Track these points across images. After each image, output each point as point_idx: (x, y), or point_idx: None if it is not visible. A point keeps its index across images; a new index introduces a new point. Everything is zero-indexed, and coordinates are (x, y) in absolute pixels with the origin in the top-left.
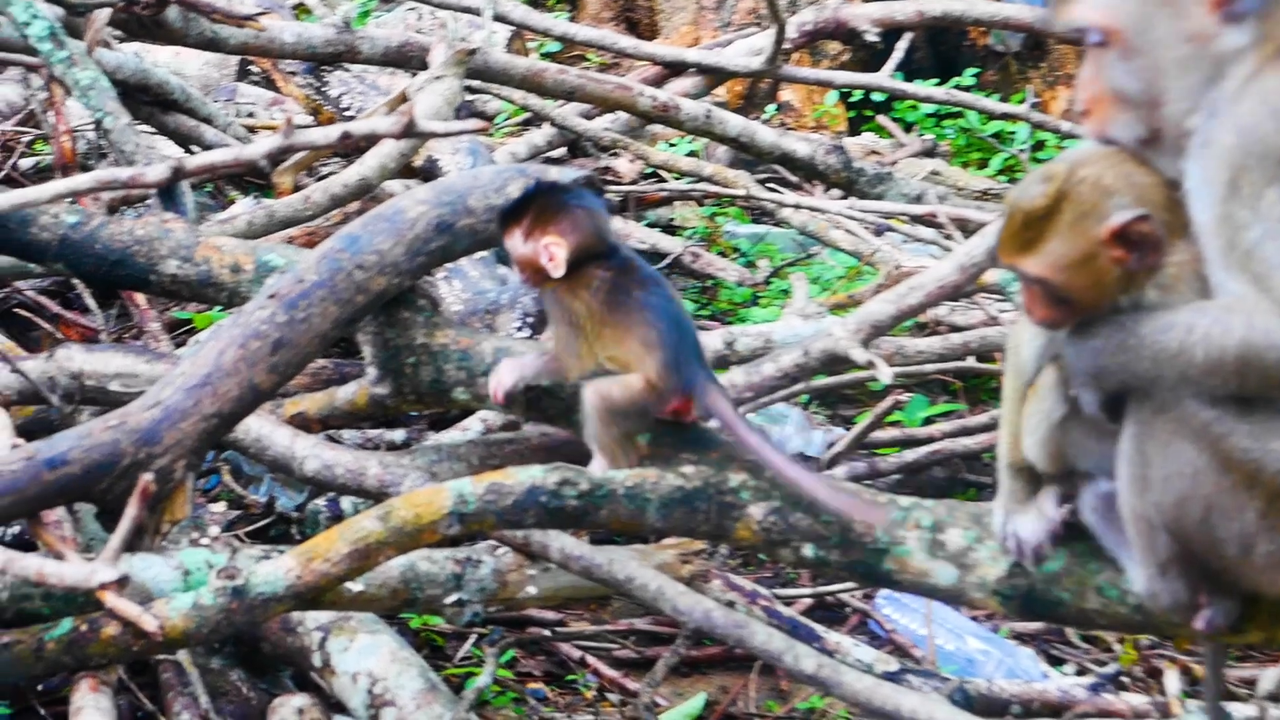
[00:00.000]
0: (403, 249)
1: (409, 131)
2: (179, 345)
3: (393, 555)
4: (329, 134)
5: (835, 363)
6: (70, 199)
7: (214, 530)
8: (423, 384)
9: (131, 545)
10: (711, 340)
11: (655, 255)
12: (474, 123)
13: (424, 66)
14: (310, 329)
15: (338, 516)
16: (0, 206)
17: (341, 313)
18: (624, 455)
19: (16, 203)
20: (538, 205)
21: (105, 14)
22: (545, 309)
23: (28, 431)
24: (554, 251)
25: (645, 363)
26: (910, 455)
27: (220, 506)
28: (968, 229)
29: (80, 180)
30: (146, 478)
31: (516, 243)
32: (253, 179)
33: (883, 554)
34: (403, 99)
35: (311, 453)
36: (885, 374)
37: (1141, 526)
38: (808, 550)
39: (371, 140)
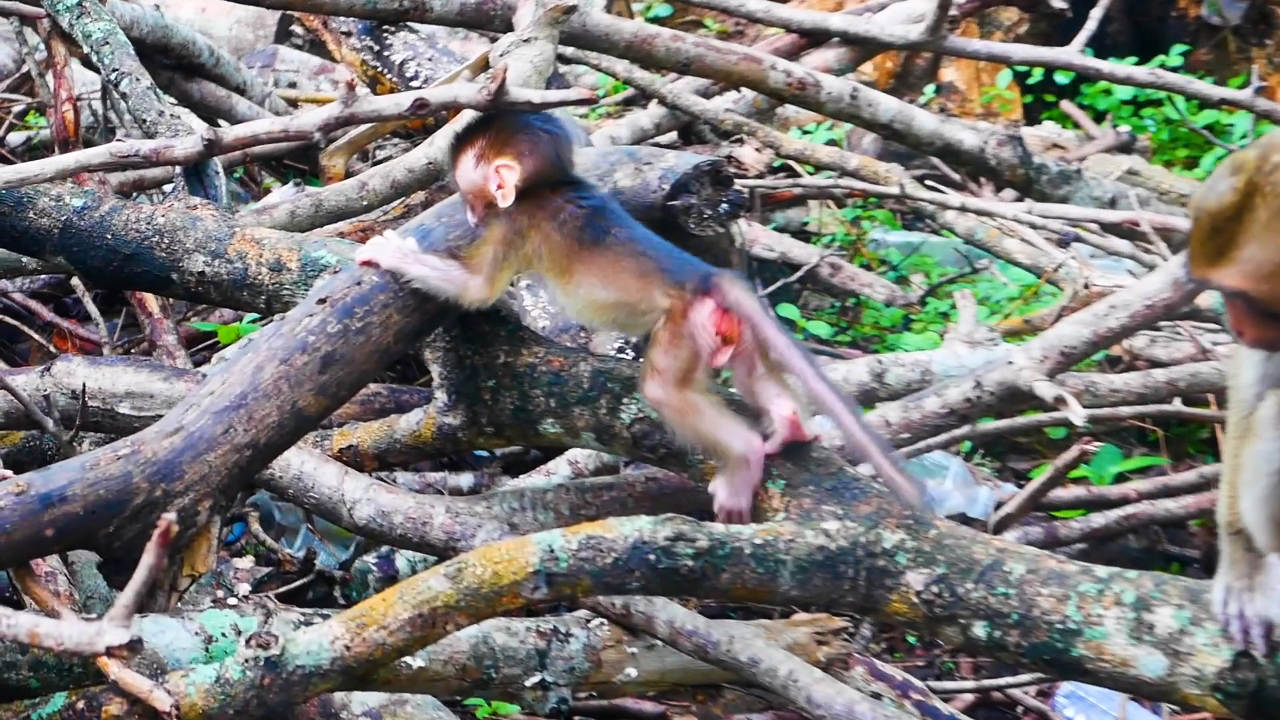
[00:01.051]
0: None
1: (497, 101)
2: (198, 364)
3: (464, 623)
4: (399, 102)
5: (1014, 399)
6: (70, 179)
7: (243, 588)
8: (503, 413)
9: (142, 605)
10: (855, 371)
11: (786, 266)
12: (578, 91)
13: (507, 28)
14: (368, 342)
15: (391, 578)
16: None
17: (407, 323)
18: (725, 430)
19: (12, 179)
20: (495, 126)
21: None
22: (480, 233)
23: (16, 462)
24: (504, 176)
25: (649, 290)
26: (1098, 520)
27: (246, 561)
28: (1173, 241)
29: (92, 154)
30: (168, 517)
31: (466, 169)
32: (292, 162)
33: (1073, 636)
34: (484, 65)
35: (365, 496)
36: (1078, 414)
37: None
38: (978, 629)
39: (444, 116)
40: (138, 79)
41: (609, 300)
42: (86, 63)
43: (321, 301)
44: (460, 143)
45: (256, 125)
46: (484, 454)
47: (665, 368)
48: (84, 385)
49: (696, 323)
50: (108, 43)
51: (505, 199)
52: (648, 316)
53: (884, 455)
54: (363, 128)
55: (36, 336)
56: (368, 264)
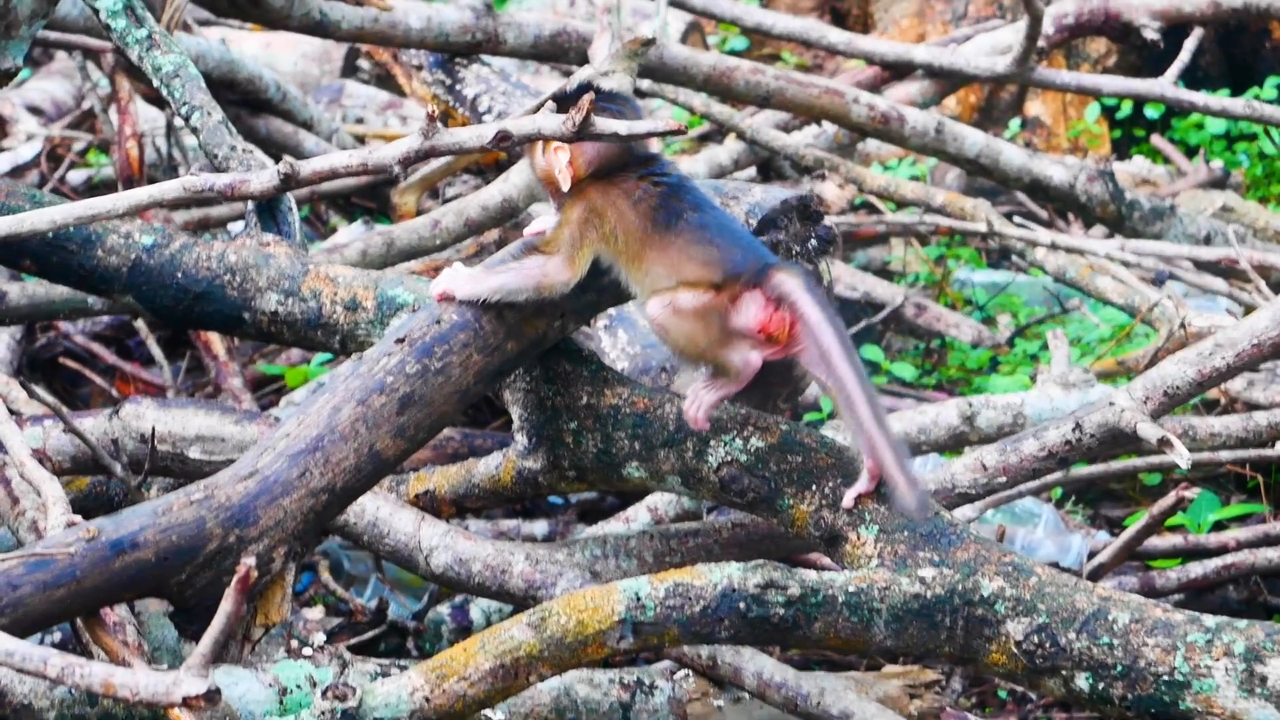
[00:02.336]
0: None
1: (582, 133)
2: (264, 408)
3: (547, 674)
4: (481, 134)
5: (1116, 442)
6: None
7: (317, 638)
8: (586, 456)
9: (216, 655)
10: (945, 414)
11: (868, 306)
12: (665, 122)
13: (582, 61)
14: (448, 383)
15: (465, 629)
16: (59, 220)
17: (487, 363)
18: (728, 361)
19: (83, 214)
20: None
21: None
22: (563, 210)
23: (83, 509)
24: (560, 158)
25: (700, 270)
26: (1196, 569)
27: (317, 611)
28: (1270, 278)
29: (165, 188)
30: (248, 562)
31: (536, 156)
32: (360, 200)
33: (1181, 688)
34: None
35: (442, 543)
36: (1183, 457)
37: None
38: (1081, 681)
39: (518, 152)
40: (209, 113)
41: (672, 288)
42: (149, 99)
43: (400, 341)
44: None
45: (334, 158)
46: (559, 501)
47: (683, 304)
48: (153, 429)
49: (740, 315)
50: (178, 76)
51: (565, 180)
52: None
53: (894, 452)
54: (435, 164)
55: (99, 380)
56: (444, 297)
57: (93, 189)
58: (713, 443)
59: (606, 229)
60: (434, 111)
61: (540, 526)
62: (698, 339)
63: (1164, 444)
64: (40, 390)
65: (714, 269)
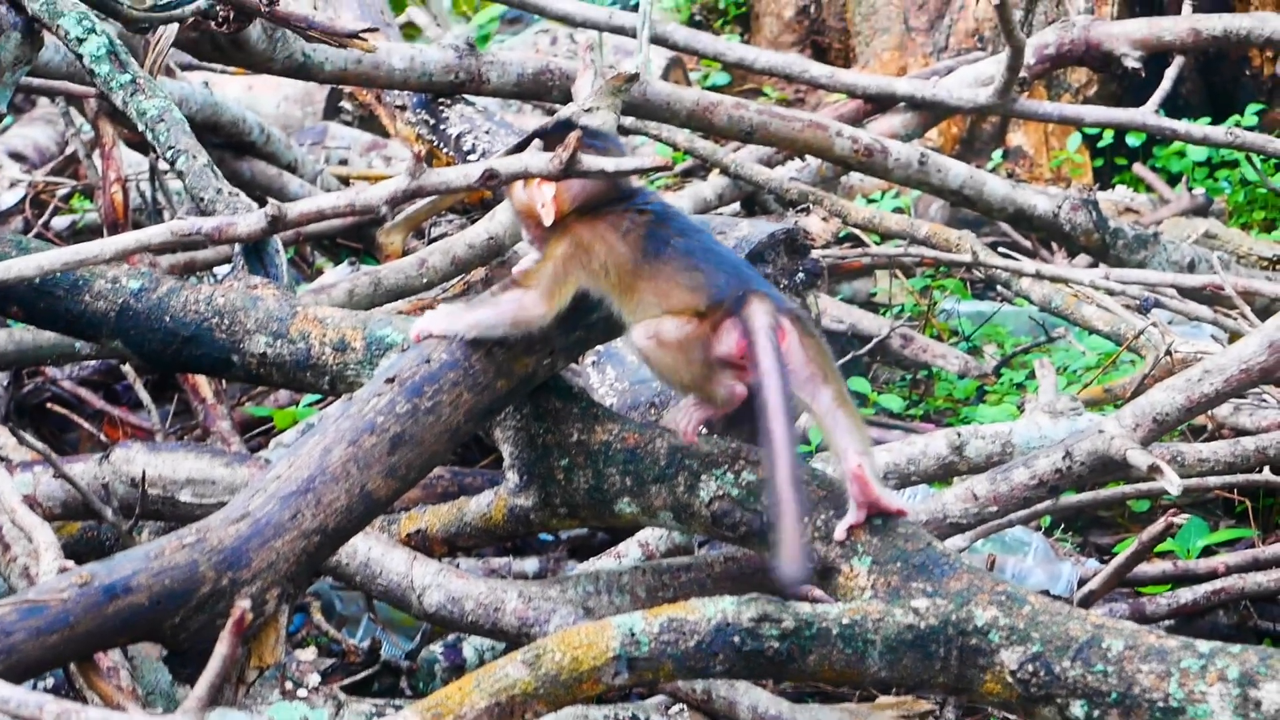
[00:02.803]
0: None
1: (569, 171)
2: (253, 450)
3: (542, 712)
4: (468, 174)
5: (1106, 469)
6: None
7: (312, 679)
8: (577, 493)
9: (210, 698)
10: (934, 444)
11: (855, 338)
12: (652, 158)
13: (565, 99)
14: (438, 422)
15: (458, 667)
16: (47, 266)
17: (477, 401)
18: (712, 390)
19: (71, 260)
20: (541, 147)
21: (171, 32)
22: (537, 256)
23: (74, 554)
24: (544, 191)
25: (687, 296)
26: (1186, 595)
27: (309, 653)
28: (1254, 304)
29: (152, 233)
30: (243, 604)
31: (517, 191)
32: (345, 241)
33: (1176, 715)
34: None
35: (435, 582)
36: (1174, 484)
37: None
38: (1076, 709)
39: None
40: (194, 156)
41: (655, 316)
42: (132, 144)
43: (389, 381)
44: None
45: (321, 200)
46: (549, 538)
47: (667, 334)
48: (144, 472)
49: (721, 343)
50: (163, 120)
51: (548, 215)
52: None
53: (794, 523)
54: (421, 203)
55: (86, 425)
56: (421, 336)
57: (77, 234)
58: (704, 477)
59: (596, 264)
60: (420, 151)
61: (531, 564)
62: (681, 368)
63: (1154, 470)
64: (29, 436)
65: (699, 295)
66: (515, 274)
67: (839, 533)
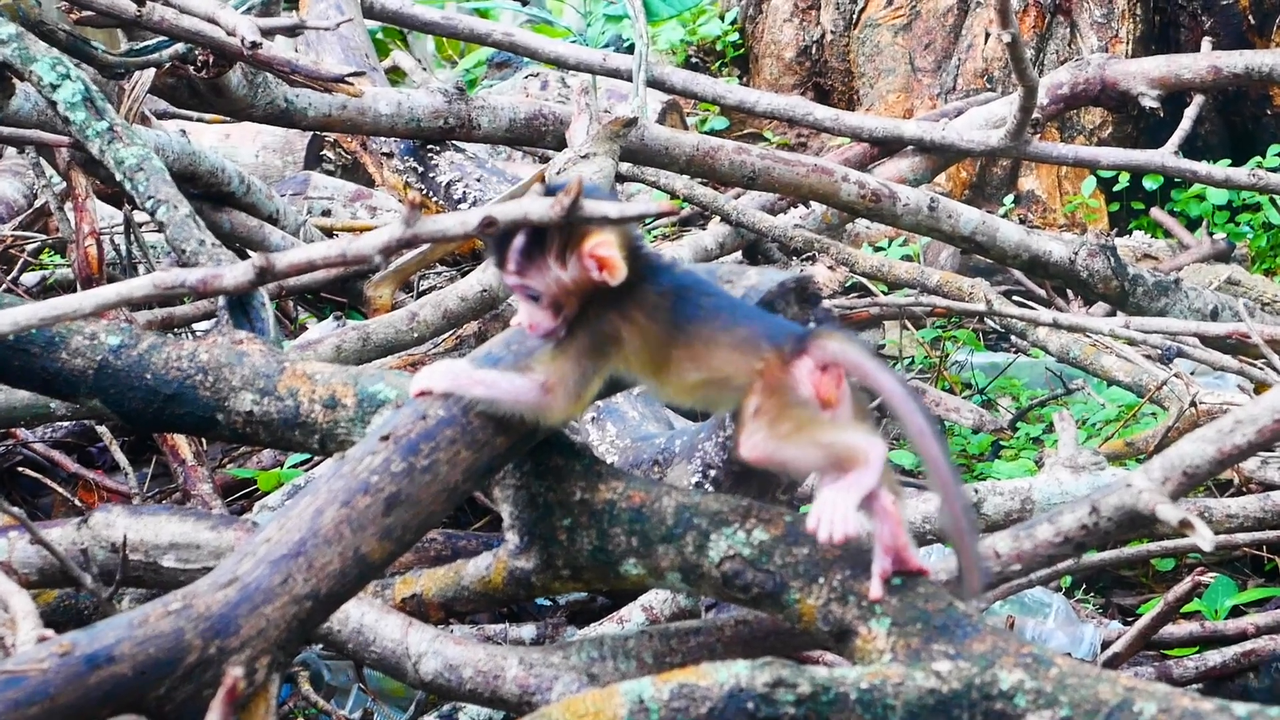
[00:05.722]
0: None
1: (571, 216)
2: (236, 515)
3: None
4: (465, 221)
5: (1134, 525)
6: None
7: None
8: (581, 554)
9: None
10: None
11: (864, 392)
12: (658, 203)
13: (560, 145)
14: (435, 481)
15: None
16: (22, 321)
17: (476, 459)
18: (845, 445)
19: (47, 316)
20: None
21: (148, 77)
22: (566, 334)
23: (50, 623)
24: (604, 254)
25: (745, 358)
26: (1215, 657)
27: None
28: None
29: (134, 285)
30: (235, 673)
31: (552, 274)
32: (330, 295)
33: None
34: (542, 183)
35: (431, 648)
36: (1206, 539)
37: None
38: None
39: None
40: (175, 206)
41: (699, 380)
42: (105, 197)
43: (384, 439)
44: (529, 254)
45: (312, 250)
46: (547, 603)
47: (762, 412)
48: (124, 537)
49: (792, 384)
50: (142, 169)
51: (617, 273)
52: (740, 383)
53: (971, 541)
54: (410, 255)
55: (60, 490)
56: (423, 394)
57: (48, 290)
58: (714, 536)
59: (627, 351)
60: (415, 199)
61: (528, 630)
62: (804, 436)
63: (1185, 526)
64: (2, 501)
65: (746, 347)
66: (521, 364)
67: (875, 589)
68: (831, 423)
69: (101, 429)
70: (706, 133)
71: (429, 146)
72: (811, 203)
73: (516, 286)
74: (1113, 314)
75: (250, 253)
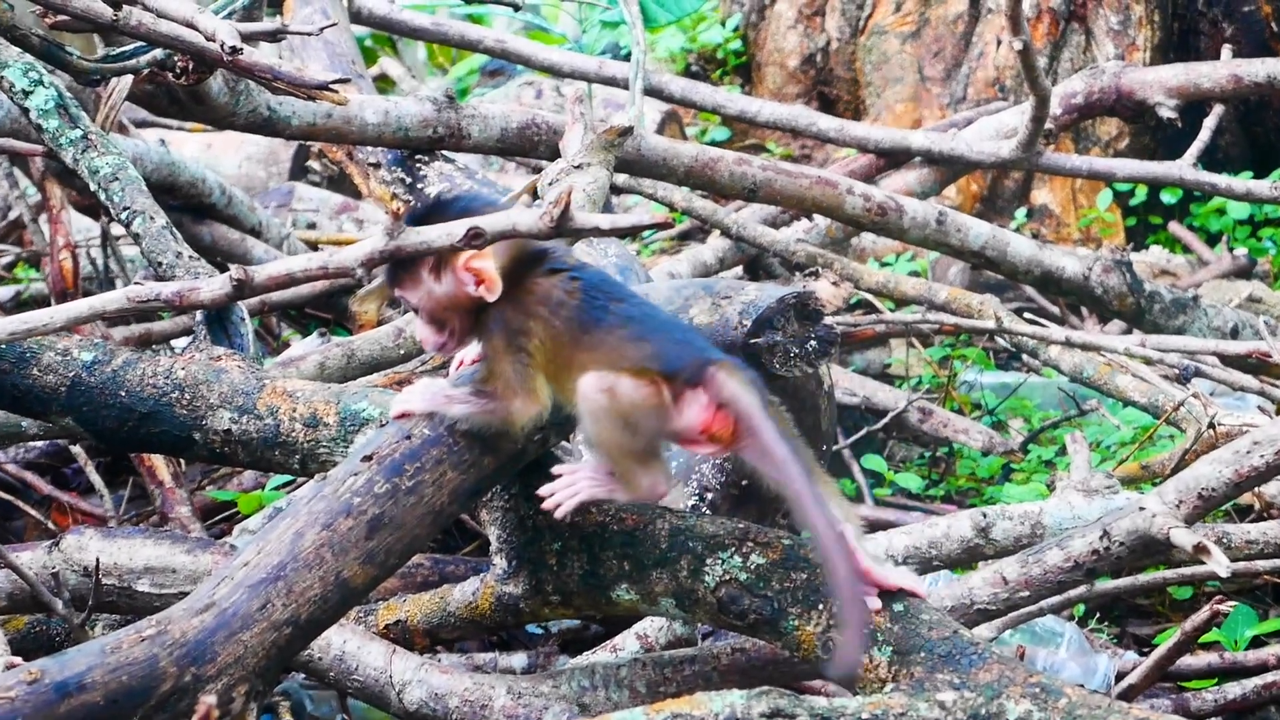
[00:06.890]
0: None
1: (561, 228)
2: (216, 538)
3: None
4: (451, 232)
5: (1147, 550)
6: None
7: None
8: (571, 579)
9: None
10: (957, 526)
11: (869, 413)
12: (652, 214)
13: (553, 155)
14: (420, 503)
15: None
16: None
17: (463, 481)
18: (640, 474)
19: (17, 330)
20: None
21: (125, 84)
22: (485, 340)
23: (20, 650)
24: (479, 267)
25: (639, 363)
26: (1234, 690)
27: None
28: None
29: (107, 299)
30: (209, 701)
31: (426, 289)
32: (314, 311)
33: None
34: (532, 195)
35: (416, 677)
36: (1222, 565)
37: None
38: None
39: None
40: (152, 217)
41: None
42: (81, 208)
43: (367, 459)
44: (402, 267)
45: (291, 263)
46: (538, 630)
47: (623, 394)
48: (97, 560)
49: (682, 415)
50: (117, 178)
51: (492, 290)
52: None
53: (859, 616)
54: None
55: (33, 512)
56: (403, 416)
57: (21, 305)
58: (709, 560)
59: (535, 344)
60: (399, 209)
61: (519, 659)
62: (627, 434)
63: (1201, 552)
64: None
65: (651, 366)
66: (474, 383)
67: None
68: (651, 441)
69: (76, 449)
70: (707, 144)
71: (417, 157)
72: (815, 216)
73: (401, 299)
74: (1128, 332)
75: (231, 267)
